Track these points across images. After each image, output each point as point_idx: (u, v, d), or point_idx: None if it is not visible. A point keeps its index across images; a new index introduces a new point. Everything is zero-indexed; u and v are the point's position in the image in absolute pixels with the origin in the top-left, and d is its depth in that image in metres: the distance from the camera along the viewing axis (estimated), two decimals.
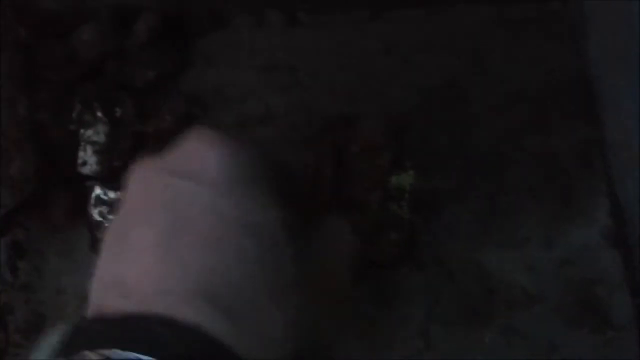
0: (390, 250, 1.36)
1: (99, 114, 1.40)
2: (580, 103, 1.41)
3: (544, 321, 1.32)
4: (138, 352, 0.67)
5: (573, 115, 1.41)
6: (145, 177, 0.89)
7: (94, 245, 1.39)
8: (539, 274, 1.34)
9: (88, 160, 1.41)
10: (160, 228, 0.79)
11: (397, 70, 1.48)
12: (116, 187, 1.41)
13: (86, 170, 1.40)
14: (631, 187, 1.33)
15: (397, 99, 1.46)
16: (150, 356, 0.66)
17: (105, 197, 1.39)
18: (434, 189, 1.42)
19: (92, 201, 1.39)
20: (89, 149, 1.41)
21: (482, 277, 1.36)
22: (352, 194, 1.36)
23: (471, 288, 1.36)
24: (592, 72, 1.42)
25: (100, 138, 1.41)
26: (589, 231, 1.35)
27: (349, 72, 1.49)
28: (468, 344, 1.33)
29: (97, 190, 1.39)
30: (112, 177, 1.43)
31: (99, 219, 1.39)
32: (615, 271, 1.33)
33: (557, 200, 1.37)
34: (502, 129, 1.41)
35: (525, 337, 1.32)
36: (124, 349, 0.67)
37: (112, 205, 1.39)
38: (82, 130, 1.42)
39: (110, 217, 1.38)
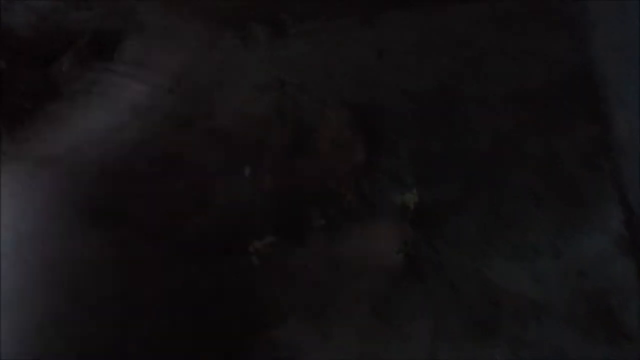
0: None
1: None
2: (584, 100, 1.35)
3: (555, 332, 1.26)
4: None
5: (576, 114, 1.35)
6: None
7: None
8: (547, 284, 1.28)
9: None
10: None
11: (390, 76, 1.42)
12: None
13: None
14: None
15: (391, 106, 1.40)
16: None
17: None
18: (435, 201, 1.36)
19: None
20: None
21: (488, 290, 1.30)
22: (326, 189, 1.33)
23: (477, 302, 1.30)
24: (595, 68, 1.36)
25: None
26: (600, 239, 1.29)
27: (340, 81, 1.43)
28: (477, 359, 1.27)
29: None
30: None
31: None
32: (629, 280, 1.26)
33: (564, 207, 1.31)
34: (502, 132, 1.36)
35: (536, 351, 1.26)
36: None
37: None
38: None
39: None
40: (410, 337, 1.30)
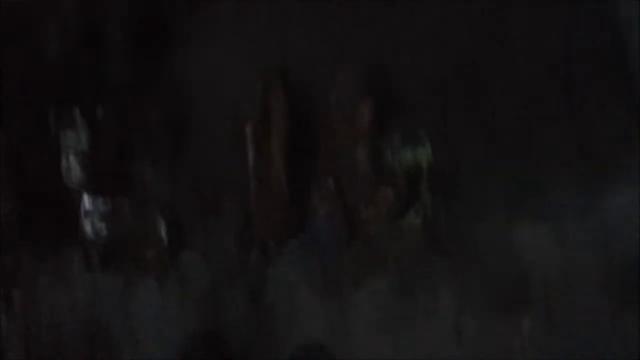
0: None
1: (77, 114, 1.26)
2: (616, 67, 1.27)
3: (586, 303, 1.21)
4: None
5: (605, 77, 1.27)
6: None
7: (89, 263, 1.28)
8: (578, 250, 1.22)
9: (73, 168, 1.28)
10: None
11: (409, 60, 1.32)
12: (106, 196, 1.29)
13: (71, 179, 1.27)
14: None
15: (408, 71, 1.31)
16: None
17: (94, 209, 1.27)
18: (455, 164, 1.28)
19: (82, 213, 1.27)
20: (72, 157, 1.28)
21: (514, 259, 1.24)
22: (337, 151, 1.26)
23: (503, 272, 1.24)
24: (625, 37, 1.28)
25: (82, 145, 1.28)
26: (627, 198, 1.22)
27: (349, 46, 1.33)
28: (504, 332, 1.22)
29: (86, 201, 1.27)
30: (101, 186, 1.30)
31: (92, 234, 1.28)
32: None
33: (592, 167, 1.25)
34: (528, 94, 1.28)
35: (567, 322, 1.21)
36: None
37: (103, 217, 1.27)
38: (62, 138, 1.29)
39: (104, 231, 1.26)
40: (434, 312, 1.25)
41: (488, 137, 1.27)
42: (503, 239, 1.24)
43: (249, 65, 1.35)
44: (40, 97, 1.28)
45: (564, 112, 1.26)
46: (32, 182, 1.26)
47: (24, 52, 1.27)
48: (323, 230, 1.27)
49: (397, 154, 1.27)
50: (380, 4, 1.32)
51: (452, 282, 1.24)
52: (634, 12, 1.23)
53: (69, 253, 1.30)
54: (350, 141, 1.26)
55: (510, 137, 1.26)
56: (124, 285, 1.31)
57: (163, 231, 1.28)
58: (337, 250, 1.27)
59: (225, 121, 1.35)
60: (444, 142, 1.28)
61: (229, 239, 1.32)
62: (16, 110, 1.28)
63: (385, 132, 1.29)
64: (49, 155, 1.29)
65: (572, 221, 1.22)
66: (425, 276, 1.25)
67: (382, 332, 1.25)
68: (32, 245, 1.28)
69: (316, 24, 1.33)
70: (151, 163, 1.34)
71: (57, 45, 1.25)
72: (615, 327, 1.19)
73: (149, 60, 1.34)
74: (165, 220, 1.29)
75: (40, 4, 1.26)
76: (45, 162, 1.29)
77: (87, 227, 1.27)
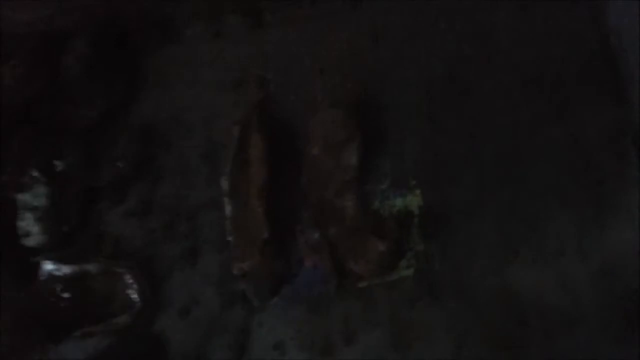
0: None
1: (35, 174, 1.15)
2: (606, 82, 1.22)
3: (589, 344, 1.15)
4: None
5: (598, 97, 1.22)
6: None
7: (51, 332, 1.17)
8: (575, 290, 1.17)
9: (31, 230, 1.17)
10: None
11: (388, 66, 1.26)
12: (70, 259, 1.18)
13: (31, 242, 1.16)
14: None
15: (392, 101, 1.25)
16: None
17: (57, 273, 1.16)
18: (445, 205, 1.22)
19: (42, 280, 1.16)
20: (30, 217, 1.16)
21: (512, 304, 1.18)
22: (323, 201, 1.19)
23: (501, 319, 1.18)
24: (614, 45, 1.22)
25: (42, 202, 1.17)
26: (628, 232, 1.17)
27: (330, 76, 1.26)
28: None
29: (47, 267, 1.16)
30: (65, 246, 1.19)
31: (53, 300, 1.17)
32: None
33: (588, 201, 1.19)
34: (516, 123, 1.22)
35: None
36: None
37: (67, 282, 1.16)
38: (18, 196, 1.17)
39: (67, 296, 1.16)
40: None
41: (479, 173, 1.22)
42: (500, 285, 1.18)
43: (225, 99, 1.28)
44: None
45: (556, 139, 1.21)
46: None
47: None
48: (310, 284, 1.20)
49: (387, 201, 1.20)
50: (364, 40, 1.25)
51: (448, 329, 1.18)
52: (624, 19, 1.17)
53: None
54: (336, 188, 1.17)
55: (502, 171, 1.22)
56: (95, 352, 1.22)
57: (135, 293, 1.18)
58: (326, 304, 1.19)
59: (200, 164, 1.26)
60: (433, 183, 1.22)
61: (210, 294, 1.23)
62: None
63: (372, 178, 1.22)
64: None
65: (569, 257, 1.18)
66: (420, 326, 1.19)
67: None
68: None
69: (298, 51, 1.27)
70: (122, 216, 1.24)
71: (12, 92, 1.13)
72: None
73: (117, 99, 1.24)
74: (137, 281, 1.19)
75: None
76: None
77: (46, 294, 1.16)
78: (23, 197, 1.16)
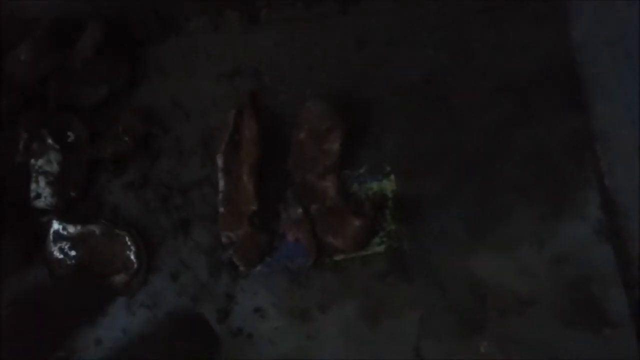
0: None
1: (49, 140, 1.27)
2: (568, 92, 1.32)
3: (540, 325, 1.26)
4: None
5: (561, 105, 1.32)
6: None
7: (54, 284, 1.28)
8: (531, 276, 1.28)
9: (42, 192, 1.28)
10: None
11: (372, 67, 1.37)
12: (76, 220, 1.29)
13: (40, 204, 1.27)
14: (622, 178, 1.27)
15: (374, 99, 1.35)
16: None
17: (64, 233, 1.27)
18: (418, 193, 1.33)
19: (51, 238, 1.27)
20: (42, 181, 1.28)
21: (473, 285, 1.29)
22: (306, 182, 1.30)
23: (462, 297, 1.29)
24: (577, 58, 1.33)
25: (53, 167, 1.28)
26: (581, 227, 1.28)
27: (318, 73, 1.37)
28: (463, 355, 1.27)
29: (55, 226, 1.27)
30: (71, 209, 1.31)
31: (60, 256, 1.28)
32: (609, 266, 1.27)
33: (547, 198, 1.30)
34: (486, 125, 1.33)
35: (522, 344, 1.26)
36: None
37: (73, 241, 1.27)
38: (32, 161, 1.29)
39: (72, 253, 1.27)
40: (395, 336, 1.29)
41: (450, 168, 1.31)
42: (463, 267, 1.28)
43: (221, 89, 1.37)
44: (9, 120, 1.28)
45: (522, 141, 1.31)
46: None
47: None
48: (291, 255, 1.30)
49: (364, 185, 1.31)
50: (351, 42, 1.37)
51: (414, 304, 1.28)
52: (587, 36, 1.28)
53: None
54: (319, 171, 1.28)
55: (471, 167, 1.31)
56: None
57: (133, 255, 1.29)
58: (305, 275, 1.30)
59: (196, 146, 1.37)
60: (408, 173, 1.32)
61: (199, 262, 1.33)
62: None
63: (351, 164, 1.33)
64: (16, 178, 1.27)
65: (527, 246, 1.28)
66: (389, 299, 1.29)
67: (347, 356, 1.28)
68: None
69: (290, 49, 1.37)
70: (122, 187, 1.35)
71: (27, 68, 1.24)
72: (566, 346, 1.24)
73: (121, 83, 1.35)
74: (135, 244, 1.30)
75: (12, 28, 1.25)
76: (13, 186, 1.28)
77: (56, 250, 1.27)
78: (37, 162, 1.27)
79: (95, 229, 1.27)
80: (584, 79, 1.32)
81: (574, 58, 1.32)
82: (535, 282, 1.27)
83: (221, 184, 1.29)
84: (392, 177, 1.32)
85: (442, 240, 1.30)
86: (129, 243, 1.27)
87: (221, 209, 1.29)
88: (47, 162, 1.26)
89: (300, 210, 1.27)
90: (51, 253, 1.27)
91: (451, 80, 1.34)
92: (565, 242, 1.28)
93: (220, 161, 1.28)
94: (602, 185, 1.30)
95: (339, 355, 1.28)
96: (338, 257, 1.30)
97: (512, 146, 1.31)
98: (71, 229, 1.26)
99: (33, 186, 1.26)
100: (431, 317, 1.28)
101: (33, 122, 1.25)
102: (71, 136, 1.27)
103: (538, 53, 1.33)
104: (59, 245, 1.26)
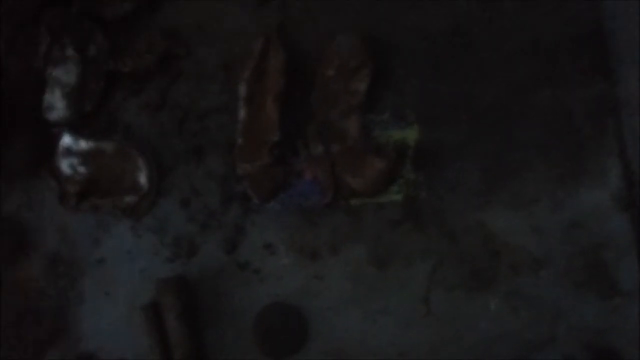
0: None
1: (70, 50, 1.22)
2: (596, 58, 1.30)
3: (551, 286, 1.26)
4: None
5: (588, 70, 1.30)
6: None
7: (63, 199, 1.24)
8: (546, 236, 1.27)
9: (56, 104, 1.24)
10: None
11: (402, 11, 1.33)
12: (88, 135, 1.25)
13: (54, 115, 1.23)
14: None
15: (402, 43, 1.32)
16: None
17: (75, 147, 1.23)
18: (438, 143, 1.31)
19: (61, 151, 1.23)
20: (58, 91, 1.23)
21: (487, 239, 1.28)
22: (328, 120, 1.27)
23: (475, 251, 1.28)
24: (607, 25, 1.31)
25: (71, 79, 1.24)
26: (599, 193, 1.27)
27: (347, 11, 1.34)
28: (471, 310, 1.26)
29: (67, 139, 1.23)
30: (83, 124, 1.26)
31: (69, 171, 1.24)
32: (625, 235, 1.26)
33: (567, 160, 1.28)
34: (511, 81, 1.30)
35: (531, 303, 1.26)
36: None
37: (83, 157, 1.23)
38: (49, 69, 1.24)
39: (82, 169, 1.23)
40: (404, 284, 1.27)
41: (471, 119, 1.30)
42: (478, 221, 1.27)
43: (247, 17, 1.34)
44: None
45: (545, 101, 1.29)
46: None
47: None
48: (306, 194, 1.28)
49: (386, 131, 1.28)
50: None
51: (426, 254, 1.27)
52: (617, 4, 1.27)
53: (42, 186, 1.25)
54: (342, 109, 1.26)
55: (492, 120, 1.29)
56: (97, 226, 1.29)
57: (144, 177, 1.25)
58: (318, 214, 1.27)
59: (217, 72, 1.33)
60: (428, 120, 1.29)
61: (211, 190, 1.30)
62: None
63: (375, 108, 1.30)
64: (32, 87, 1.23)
65: (543, 206, 1.26)
66: (400, 247, 1.27)
67: (353, 299, 1.27)
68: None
69: None
70: (138, 106, 1.31)
71: None
72: (575, 311, 1.24)
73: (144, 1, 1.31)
74: (147, 165, 1.27)
75: None
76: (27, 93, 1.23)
77: (65, 165, 1.23)
78: (55, 72, 1.23)
79: (107, 146, 1.22)
80: (613, 46, 1.30)
81: (604, 25, 1.30)
82: (548, 243, 1.26)
83: (242, 113, 1.25)
84: (416, 126, 1.29)
85: (458, 191, 1.28)
86: (140, 164, 1.23)
87: (239, 140, 1.25)
88: (65, 73, 1.22)
89: (320, 148, 1.24)
90: (59, 168, 1.22)
91: (480, 33, 1.32)
92: (581, 206, 1.27)
93: (243, 89, 1.25)
94: (623, 155, 1.28)
95: (346, 297, 1.26)
96: (354, 201, 1.27)
97: (535, 104, 1.29)
98: (83, 144, 1.22)
99: (47, 96, 1.22)
100: (442, 269, 1.27)
101: (56, 25, 1.19)
102: (92, 49, 1.22)
103: (570, 16, 1.31)
104: (69, 159, 1.22)
